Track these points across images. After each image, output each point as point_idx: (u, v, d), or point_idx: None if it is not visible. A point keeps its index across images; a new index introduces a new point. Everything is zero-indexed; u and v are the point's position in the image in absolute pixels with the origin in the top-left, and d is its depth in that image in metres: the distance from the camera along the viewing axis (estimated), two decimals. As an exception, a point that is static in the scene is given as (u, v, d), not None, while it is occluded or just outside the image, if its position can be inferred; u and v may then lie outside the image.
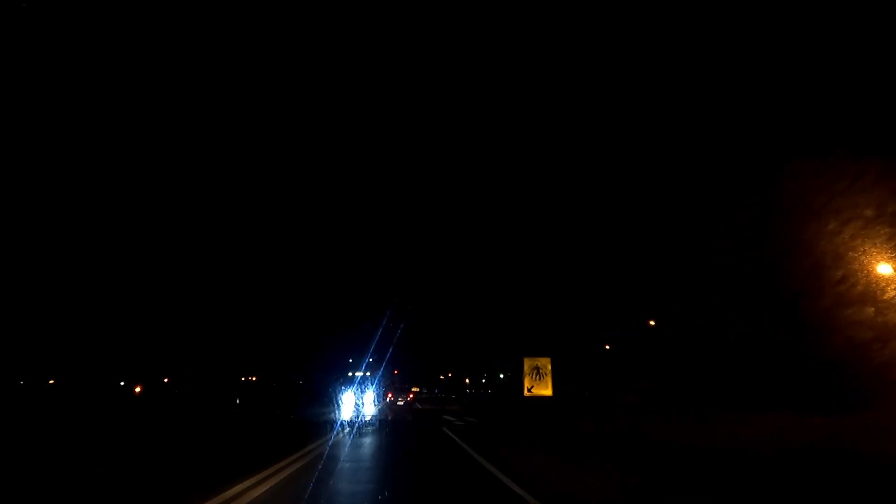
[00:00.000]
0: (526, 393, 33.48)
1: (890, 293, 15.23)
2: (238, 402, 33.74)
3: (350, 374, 52.40)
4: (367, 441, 13.31)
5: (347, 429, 16.35)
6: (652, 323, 29.17)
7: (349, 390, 40.88)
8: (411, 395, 63.41)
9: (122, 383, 38.45)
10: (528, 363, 34.01)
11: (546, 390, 33.40)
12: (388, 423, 20.23)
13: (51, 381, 30.83)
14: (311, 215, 62.13)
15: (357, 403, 37.97)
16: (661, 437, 14.00)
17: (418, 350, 79.43)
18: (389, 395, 61.13)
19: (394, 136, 61.67)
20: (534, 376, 33.50)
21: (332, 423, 18.70)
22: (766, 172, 20.69)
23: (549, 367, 33.86)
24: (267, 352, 50.79)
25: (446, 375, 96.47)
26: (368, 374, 52.14)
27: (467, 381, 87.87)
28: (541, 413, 26.16)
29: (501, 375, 62.37)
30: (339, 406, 34.86)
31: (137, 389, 37.88)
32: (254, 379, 55.99)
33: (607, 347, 36.22)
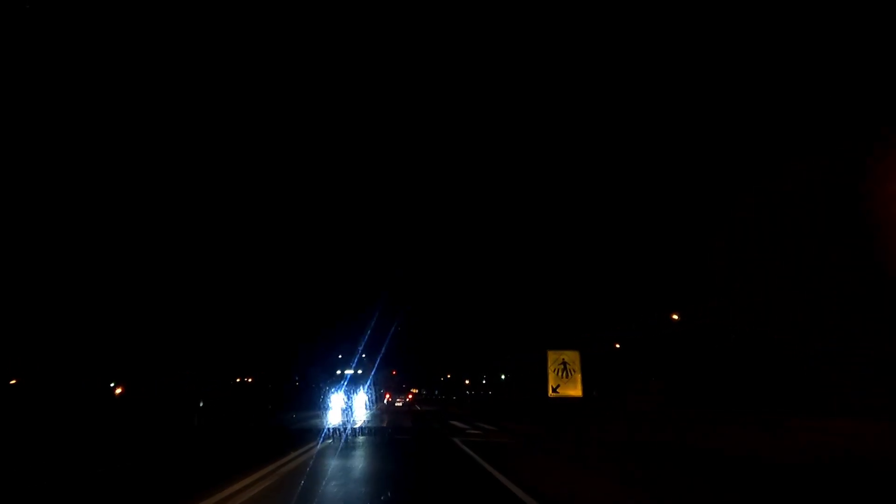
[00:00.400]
0: (551, 393, 29.48)
1: None
2: (202, 405, 29.94)
3: (339, 371, 49.29)
4: (356, 466, 8.83)
5: (331, 440, 12.59)
6: (675, 317, 27.40)
7: (338, 392, 35.64)
8: (410, 396, 63.13)
9: (111, 384, 37.92)
10: (552, 357, 29.95)
11: (575, 390, 29.45)
12: (385, 433, 15.19)
13: (12, 382, 29.45)
14: (307, 206, 62.14)
15: (346, 407, 33.35)
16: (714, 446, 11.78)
17: (418, 351, 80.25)
18: (387, 396, 61.07)
19: (390, 123, 62.18)
20: (559, 373, 29.57)
21: (316, 431, 15.19)
22: (766, 172, 21.37)
23: (579, 363, 29.91)
24: (260, 351, 49.62)
25: (446, 377, 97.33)
26: (360, 371, 47.76)
27: (467, 382, 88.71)
28: (572, 418, 22.60)
29: (503, 376, 62.83)
30: (325, 410, 30.09)
31: (118, 391, 36.68)
32: (249, 380, 54.22)
33: (617, 346, 35.31)
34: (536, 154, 52.22)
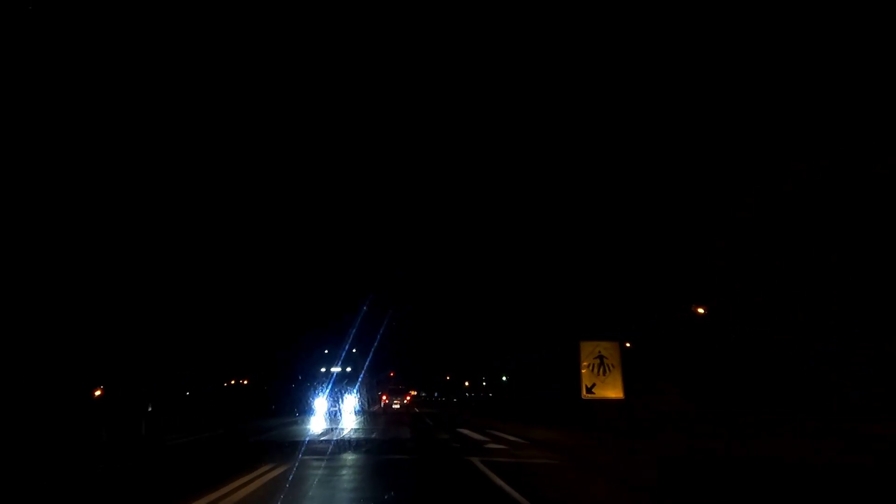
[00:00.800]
0: (584, 395, 25.53)
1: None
2: (150, 409, 25.91)
3: (324, 369, 44.76)
4: None
5: (300, 461, 9.38)
6: (701, 311, 25.35)
7: (322, 394, 32.98)
8: (408, 398, 62.78)
9: (100, 386, 37.32)
10: (586, 350, 25.81)
11: (615, 391, 25.48)
12: (377, 449, 11.49)
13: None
14: (302, 199, 62.32)
15: (332, 411, 30.39)
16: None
17: (417, 352, 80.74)
18: (384, 398, 61.11)
19: (390, 123, 62.70)
20: (595, 369, 25.49)
21: (286, 445, 12.52)
22: (766, 172, 22.04)
23: (619, 356, 26.00)
24: (249, 351, 47.45)
25: (445, 378, 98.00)
26: (349, 369, 44.00)
27: (467, 383, 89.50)
28: (607, 422, 19.98)
29: (504, 378, 63.34)
30: (307, 416, 27.32)
31: (97, 393, 35.62)
32: (245, 382, 53.46)
33: (628, 346, 34.28)
34: (534, 156, 52.86)
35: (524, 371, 45.27)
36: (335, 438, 14.08)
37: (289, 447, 11.90)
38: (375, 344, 39.28)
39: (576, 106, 45.60)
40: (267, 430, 17.98)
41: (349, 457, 10.20)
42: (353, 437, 14.78)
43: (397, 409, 47.92)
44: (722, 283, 23.85)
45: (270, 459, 9.47)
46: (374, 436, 15.24)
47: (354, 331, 36.13)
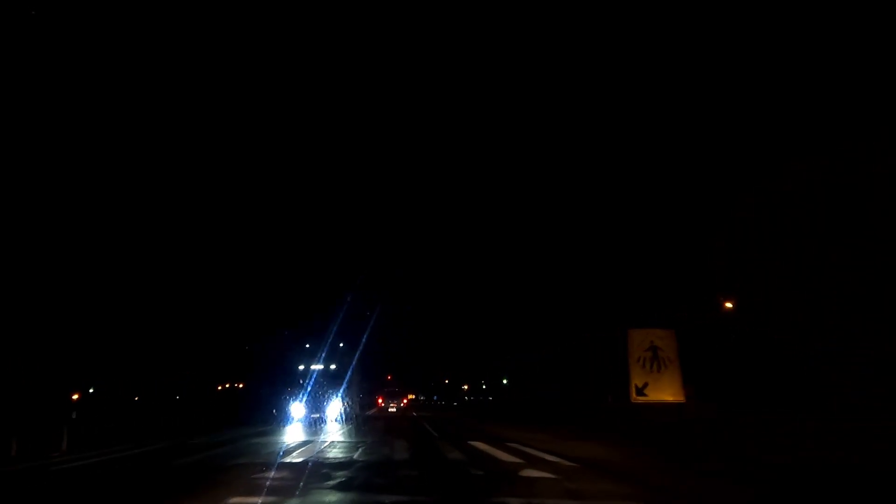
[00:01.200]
0: (635, 397, 21.49)
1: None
2: (75, 416, 22.74)
3: (302, 367, 39.05)
4: None
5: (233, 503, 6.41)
6: (729, 305, 23.13)
7: (299, 399, 28.50)
8: (406, 401, 62.58)
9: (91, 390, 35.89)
10: (636, 339, 21.79)
11: (672, 392, 21.52)
12: (364, 478, 8.09)
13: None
14: (302, 195, 62.41)
15: (312, 418, 26.93)
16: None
17: (417, 354, 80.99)
18: (380, 401, 60.85)
19: (388, 122, 62.97)
20: (647, 364, 21.52)
21: (234, 471, 9.39)
22: (766, 172, 22.51)
23: (675, 349, 22.04)
24: (232, 348, 42.49)
25: (444, 382, 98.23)
26: (333, 366, 38.03)
27: (466, 387, 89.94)
28: (656, 429, 17.10)
29: (504, 381, 63.53)
30: (280, 425, 23.62)
31: (75, 397, 32.02)
32: (240, 385, 52.37)
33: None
34: (532, 157, 53.33)
35: (524, 371, 45.58)
36: (305, 459, 10.76)
37: (226, 475, 8.71)
38: (365, 337, 36.35)
39: (560, 105, 46.08)
40: (222, 444, 14.90)
41: (314, 498, 6.67)
42: (331, 456, 11.30)
43: (394, 412, 47.76)
44: (721, 283, 24.30)
45: (212, 491, 6.65)
46: (358, 455, 11.49)
47: (339, 320, 32.88)
